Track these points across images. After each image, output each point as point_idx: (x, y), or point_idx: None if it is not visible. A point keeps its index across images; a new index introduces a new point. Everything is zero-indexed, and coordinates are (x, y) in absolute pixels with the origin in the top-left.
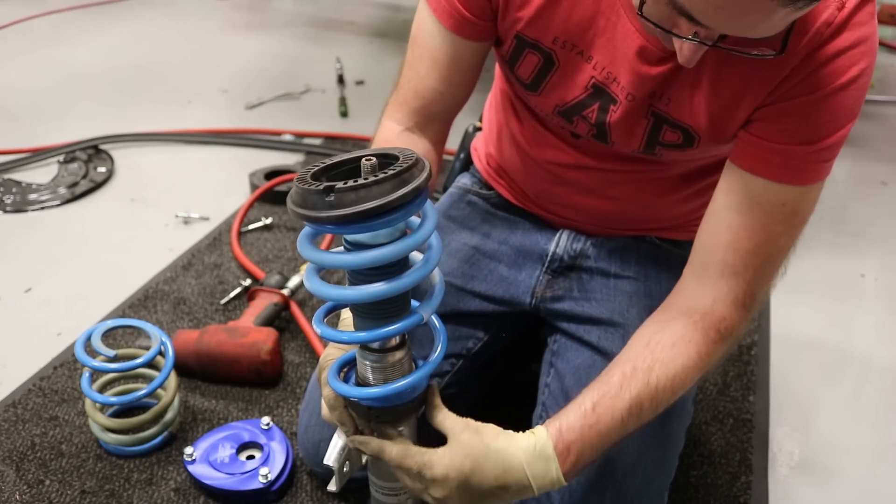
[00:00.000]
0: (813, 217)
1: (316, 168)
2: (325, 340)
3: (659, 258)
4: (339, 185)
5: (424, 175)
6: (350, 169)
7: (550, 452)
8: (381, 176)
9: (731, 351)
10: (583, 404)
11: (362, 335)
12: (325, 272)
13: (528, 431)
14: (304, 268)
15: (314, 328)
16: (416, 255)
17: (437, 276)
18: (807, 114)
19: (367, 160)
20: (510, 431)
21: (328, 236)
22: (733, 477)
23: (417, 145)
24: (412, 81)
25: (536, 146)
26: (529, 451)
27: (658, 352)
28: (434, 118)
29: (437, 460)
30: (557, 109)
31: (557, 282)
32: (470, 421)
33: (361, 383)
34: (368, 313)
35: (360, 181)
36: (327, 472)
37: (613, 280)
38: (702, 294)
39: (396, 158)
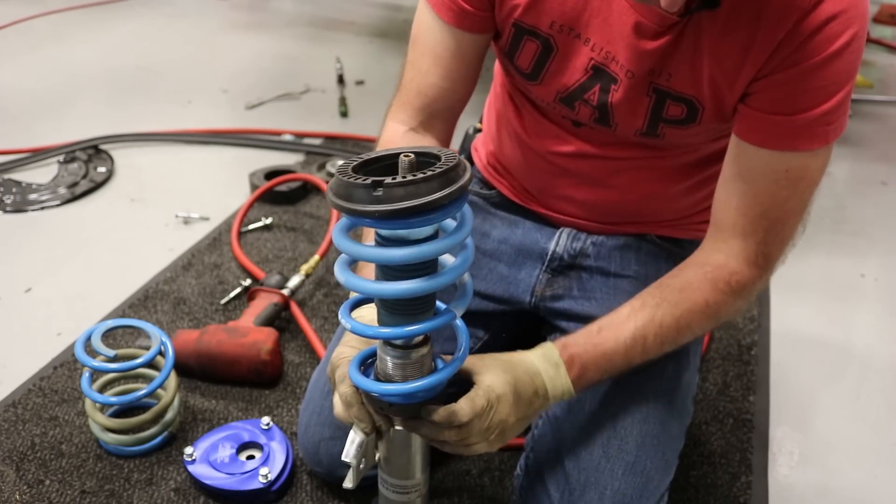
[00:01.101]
0: (813, 217)
1: (354, 162)
2: (351, 333)
3: (659, 257)
4: (388, 179)
5: (468, 175)
6: (387, 165)
7: (557, 359)
8: (430, 173)
9: (744, 307)
10: (590, 327)
11: (392, 331)
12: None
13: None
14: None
15: (343, 322)
16: (450, 257)
17: (466, 275)
18: (802, 82)
19: (405, 156)
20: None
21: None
22: (733, 477)
23: (422, 145)
24: (414, 80)
25: (537, 137)
26: (541, 357)
27: (667, 293)
28: (438, 116)
29: (490, 382)
30: (559, 96)
31: (557, 281)
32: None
33: (381, 379)
34: (398, 309)
35: (409, 177)
36: (327, 472)
37: (613, 279)
38: (716, 250)
39: (437, 158)
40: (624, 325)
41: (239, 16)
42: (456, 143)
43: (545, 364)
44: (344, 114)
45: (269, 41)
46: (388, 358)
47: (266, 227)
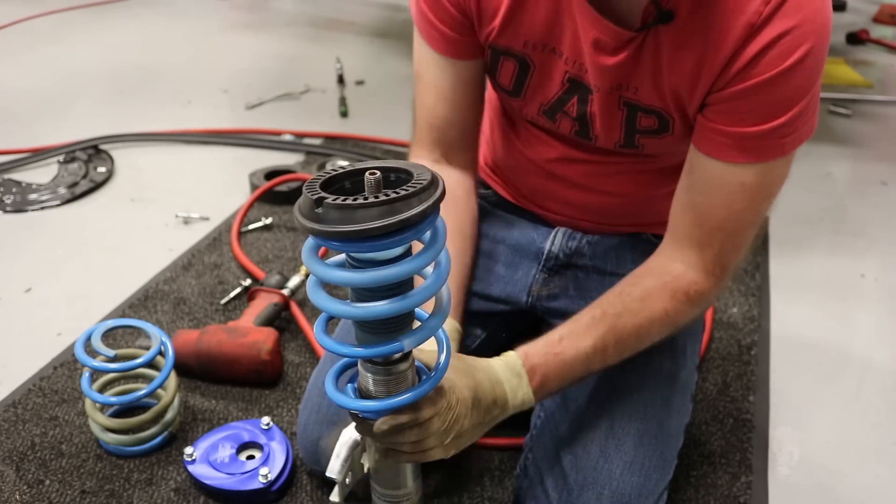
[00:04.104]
0: (813, 217)
1: (341, 171)
2: None
3: None
4: (330, 199)
5: (423, 205)
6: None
7: (520, 369)
8: (372, 200)
9: (699, 314)
10: (550, 336)
11: (361, 351)
12: None
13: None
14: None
15: (317, 337)
16: (428, 270)
17: (444, 294)
18: (755, 97)
19: (370, 174)
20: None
21: None
22: (733, 477)
23: (448, 176)
24: (424, 116)
25: (528, 143)
26: (503, 367)
27: (628, 302)
28: (454, 146)
29: (452, 383)
30: (542, 109)
31: (553, 280)
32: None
33: (363, 393)
34: (370, 328)
35: (349, 200)
36: (325, 470)
37: (609, 278)
38: (673, 259)
39: (409, 178)
40: (585, 335)
41: (239, 16)
42: None
43: (508, 373)
44: (344, 114)
45: (269, 41)
46: (368, 375)
47: (266, 227)
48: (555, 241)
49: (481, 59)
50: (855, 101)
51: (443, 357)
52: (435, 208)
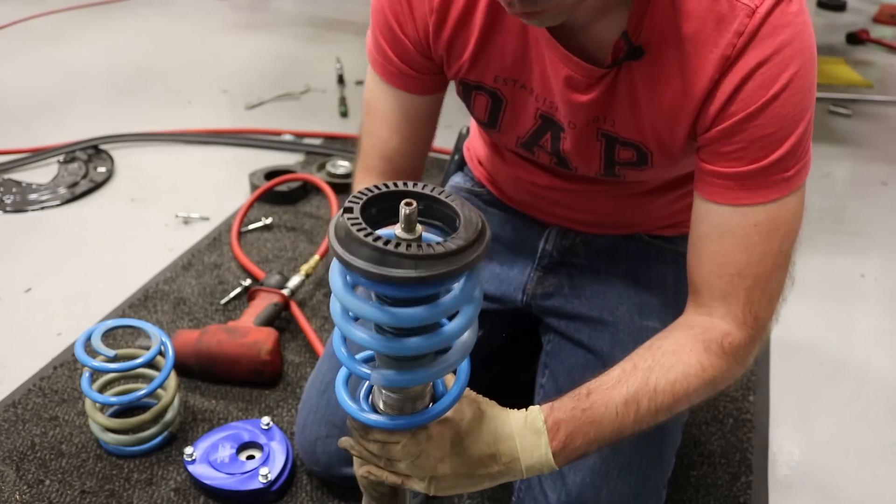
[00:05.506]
0: (813, 217)
1: (384, 190)
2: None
3: (650, 254)
4: (356, 231)
5: (462, 262)
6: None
7: (541, 426)
8: (404, 251)
9: (740, 374)
10: (578, 391)
11: (382, 379)
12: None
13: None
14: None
15: (337, 355)
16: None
17: (468, 336)
18: (745, 132)
19: (406, 204)
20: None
21: None
22: (733, 477)
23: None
24: (376, 147)
25: (513, 167)
26: (520, 422)
27: (659, 356)
28: (403, 174)
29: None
30: (519, 142)
31: (548, 279)
32: (467, 390)
33: (374, 406)
34: (396, 358)
35: (375, 242)
36: (324, 471)
37: (603, 276)
38: (700, 314)
39: (454, 223)
40: (615, 390)
41: (239, 16)
42: (449, 142)
43: (523, 430)
44: (344, 114)
45: (269, 41)
46: (385, 393)
47: (266, 227)
48: (549, 238)
49: (439, 93)
50: (855, 101)
51: (457, 388)
52: (484, 257)
